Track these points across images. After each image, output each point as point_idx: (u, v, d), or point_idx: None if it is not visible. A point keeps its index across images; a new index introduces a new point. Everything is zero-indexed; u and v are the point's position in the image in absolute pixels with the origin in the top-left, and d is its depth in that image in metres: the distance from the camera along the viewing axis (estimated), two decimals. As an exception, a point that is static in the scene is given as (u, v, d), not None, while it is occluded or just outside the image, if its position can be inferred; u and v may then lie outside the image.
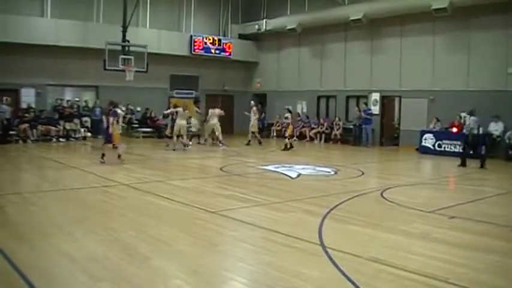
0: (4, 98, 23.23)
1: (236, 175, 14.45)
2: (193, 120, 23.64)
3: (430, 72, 22.87)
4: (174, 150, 20.40)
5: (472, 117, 17.23)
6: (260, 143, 24.13)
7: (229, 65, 31.86)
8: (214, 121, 22.27)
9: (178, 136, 20.79)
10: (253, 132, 24.59)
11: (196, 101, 24.81)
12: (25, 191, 11.38)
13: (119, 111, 17.05)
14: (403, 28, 23.99)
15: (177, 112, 20.96)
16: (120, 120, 16.96)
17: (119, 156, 16.24)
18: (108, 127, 16.20)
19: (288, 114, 22.23)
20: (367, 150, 23.22)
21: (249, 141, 24.25)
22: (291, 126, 22.14)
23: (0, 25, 22.62)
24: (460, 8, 21.02)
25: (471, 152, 17.41)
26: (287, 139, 21.71)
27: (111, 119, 16.05)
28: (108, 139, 16.33)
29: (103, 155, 16.16)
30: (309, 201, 10.32)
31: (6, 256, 6.21)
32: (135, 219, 8.57)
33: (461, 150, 18.22)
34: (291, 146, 21.55)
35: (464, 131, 18.06)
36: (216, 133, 22.54)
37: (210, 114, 23.06)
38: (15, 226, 7.90)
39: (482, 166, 16.74)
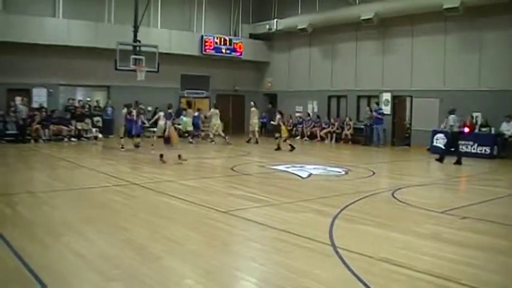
0: (20, 98, 23.43)
1: (247, 175, 14.48)
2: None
3: (441, 71, 22.76)
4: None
5: (452, 116, 18.01)
6: (256, 142, 24.74)
7: (240, 65, 31.88)
8: (218, 121, 22.14)
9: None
10: (252, 132, 25.26)
11: (189, 105, 25.63)
12: (37, 190, 11.44)
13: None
14: (414, 28, 23.90)
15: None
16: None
17: (179, 156, 16.53)
18: (165, 129, 16.61)
19: (278, 116, 22.04)
20: (378, 150, 23.14)
21: (250, 139, 25.30)
22: (283, 127, 22.02)
23: (13, 25, 22.81)
24: (471, 8, 20.91)
25: (452, 149, 18.31)
26: (277, 139, 21.64)
27: (168, 121, 16.56)
28: (167, 140, 16.57)
29: (161, 155, 16.52)
30: (319, 201, 10.31)
31: (18, 255, 6.27)
32: (146, 219, 8.60)
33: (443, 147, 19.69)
34: (292, 148, 21.08)
35: (446, 129, 19.08)
36: (215, 129, 22.51)
37: (210, 113, 23.21)
38: (27, 225, 7.96)
39: (457, 162, 17.65)
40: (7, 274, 5.64)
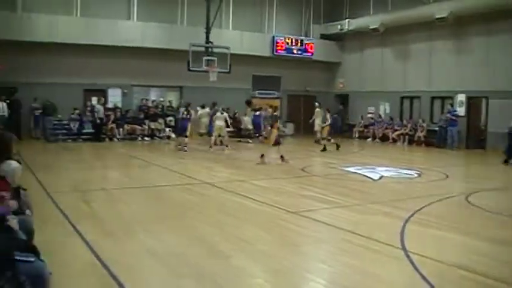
0: (96, 98, 24.26)
1: (317, 176, 14.45)
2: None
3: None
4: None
5: None
6: (317, 142, 24.27)
7: (311, 66, 31.79)
8: (221, 123, 21.66)
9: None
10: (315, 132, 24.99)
11: (248, 102, 25.31)
12: (111, 187, 11.83)
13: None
14: (491, 26, 23.14)
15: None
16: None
17: (282, 157, 16.77)
18: (271, 130, 17.05)
19: (328, 114, 21.82)
20: (452, 152, 22.57)
21: (318, 139, 24.14)
22: (326, 127, 21.77)
23: (90, 28, 23.73)
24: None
25: None
26: (323, 140, 21.50)
27: (275, 123, 17.06)
28: (276, 142, 17.05)
29: (262, 155, 16.71)
30: (390, 203, 10.19)
31: (93, 249, 6.53)
32: (217, 218, 8.75)
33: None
34: (324, 148, 20.95)
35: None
36: (222, 134, 22.00)
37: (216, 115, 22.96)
38: (101, 221, 8.26)
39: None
40: (83, 267, 5.89)
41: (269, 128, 17.27)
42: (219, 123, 21.18)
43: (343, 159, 18.67)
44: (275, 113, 17.93)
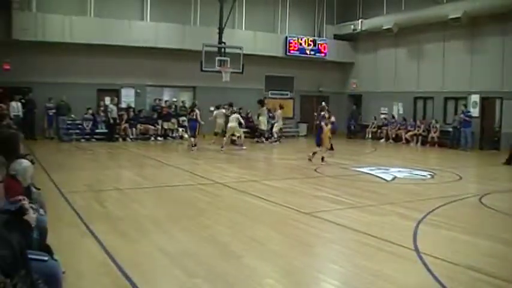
0: (109, 98, 24.40)
1: (330, 176, 14.41)
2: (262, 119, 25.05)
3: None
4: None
5: None
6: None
7: (324, 66, 31.71)
8: (232, 124, 21.71)
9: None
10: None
11: (261, 102, 25.49)
12: (125, 187, 11.90)
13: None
14: (506, 26, 22.97)
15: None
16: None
17: (323, 158, 16.91)
18: (321, 131, 17.11)
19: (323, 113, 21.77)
20: (465, 154, 22.43)
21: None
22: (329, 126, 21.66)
23: (103, 29, 23.83)
24: None
25: None
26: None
27: (322, 123, 17.11)
28: (318, 142, 17.08)
29: (314, 153, 17.01)
30: (403, 204, 10.16)
31: (106, 249, 6.57)
32: (229, 218, 8.78)
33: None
34: (331, 148, 20.54)
35: None
36: (237, 135, 22.16)
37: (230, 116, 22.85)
38: (115, 221, 8.30)
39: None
40: (96, 267, 5.93)
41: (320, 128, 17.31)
42: (231, 124, 21.30)
43: (355, 159, 18.63)
44: (322, 112, 18.00)
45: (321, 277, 5.95)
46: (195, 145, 20.27)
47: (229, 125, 21.38)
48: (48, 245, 4.63)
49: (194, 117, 20.98)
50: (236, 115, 21.91)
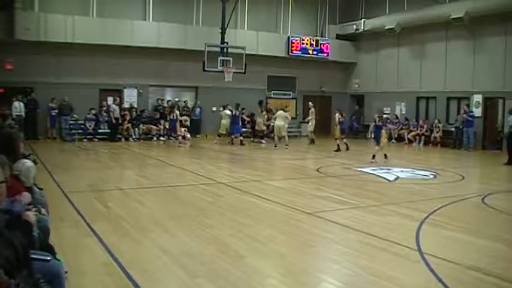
0: (112, 98, 24.42)
1: (332, 177, 14.40)
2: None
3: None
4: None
5: None
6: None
7: (326, 66, 31.68)
8: (280, 123, 22.10)
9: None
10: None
11: (261, 103, 25.82)
12: (128, 187, 11.92)
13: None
14: (508, 26, 22.92)
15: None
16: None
17: (386, 155, 17.55)
18: (379, 132, 17.78)
19: (337, 115, 22.07)
20: (468, 154, 22.42)
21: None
22: (337, 127, 21.80)
23: (106, 29, 23.86)
24: None
25: None
26: (337, 140, 21.59)
27: (388, 125, 17.72)
28: (378, 141, 17.85)
29: (374, 156, 17.49)
30: (406, 205, 10.14)
31: (109, 249, 6.56)
32: (231, 218, 8.77)
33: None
34: (347, 148, 21.47)
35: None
36: (283, 133, 22.35)
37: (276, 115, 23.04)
38: (117, 220, 8.30)
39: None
40: (98, 267, 5.92)
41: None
42: (278, 122, 22.40)
43: (358, 159, 18.60)
44: (385, 116, 18.45)
45: (323, 277, 5.93)
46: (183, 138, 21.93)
47: (276, 123, 22.35)
48: (51, 244, 4.63)
49: (174, 117, 22.33)
50: (283, 113, 22.77)
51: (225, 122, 23.38)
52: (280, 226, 8.29)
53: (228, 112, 23.63)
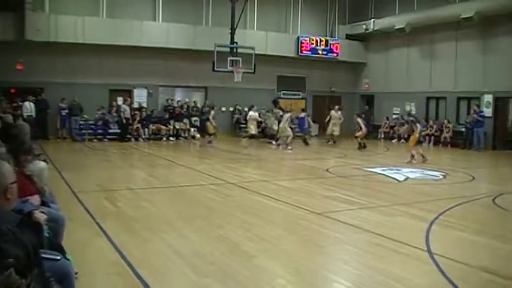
0: (122, 98, 24.51)
1: (342, 177, 14.36)
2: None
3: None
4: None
5: None
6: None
7: (336, 66, 31.64)
8: (281, 124, 22.26)
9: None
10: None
11: (275, 102, 25.67)
12: (137, 187, 11.93)
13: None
14: (518, 26, 22.83)
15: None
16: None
17: (423, 156, 17.90)
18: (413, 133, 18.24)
19: (359, 119, 22.61)
20: (478, 154, 22.30)
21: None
22: (362, 131, 22.27)
23: (116, 29, 23.96)
24: None
25: None
26: (358, 139, 22.16)
27: (418, 125, 18.22)
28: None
29: (412, 156, 17.72)
30: (416, 205, 10.09)
31: (118, 249, 6.58)
32: (240, 218, 8.76)
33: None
34: (364, 146, 22.08)
35: None
36: (286, 134, 22.37)
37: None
38: (127, 220, 8.32)
39: None
40: (108, 267, 5.94)
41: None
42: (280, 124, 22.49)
43: (368, 160, 18.57)
44: (411, 118, 18.96)
45: (332, 277, 5.93)
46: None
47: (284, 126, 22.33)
48: (61, 244, 4.65)
49: (209, 117, 22.33)
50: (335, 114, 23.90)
51: (252, 126, 23.30)
52: (290, 226, 8.29)
53: (254, 113, 23.76)
